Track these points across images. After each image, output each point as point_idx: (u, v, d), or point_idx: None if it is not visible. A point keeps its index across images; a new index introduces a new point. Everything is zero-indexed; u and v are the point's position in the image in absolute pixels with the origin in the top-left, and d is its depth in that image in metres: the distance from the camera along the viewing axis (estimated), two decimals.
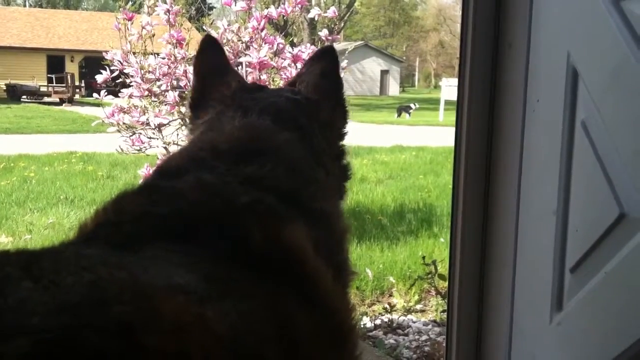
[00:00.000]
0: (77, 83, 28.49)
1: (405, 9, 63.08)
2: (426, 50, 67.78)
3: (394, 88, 53.00)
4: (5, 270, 0.54)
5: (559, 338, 1.39)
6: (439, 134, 18.62)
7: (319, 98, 1.23)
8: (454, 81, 33.31)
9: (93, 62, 33.02)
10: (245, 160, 0.94)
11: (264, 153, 0.98)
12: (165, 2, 5.34)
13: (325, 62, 1.29)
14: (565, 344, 1.37)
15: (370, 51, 45.12)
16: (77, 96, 27.25)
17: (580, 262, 1.32)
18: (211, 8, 38.22)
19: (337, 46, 6.51)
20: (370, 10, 59.11)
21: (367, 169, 10.28)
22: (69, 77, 26.81)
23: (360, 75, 43.85)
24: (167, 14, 5.32)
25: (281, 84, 5.32)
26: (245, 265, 0.74)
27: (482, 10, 1.57)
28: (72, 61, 30.98)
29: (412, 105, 28.12)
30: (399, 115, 26.88)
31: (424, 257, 4.11)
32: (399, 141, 14.92)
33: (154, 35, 5.37)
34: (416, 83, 70.13)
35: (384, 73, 51.63)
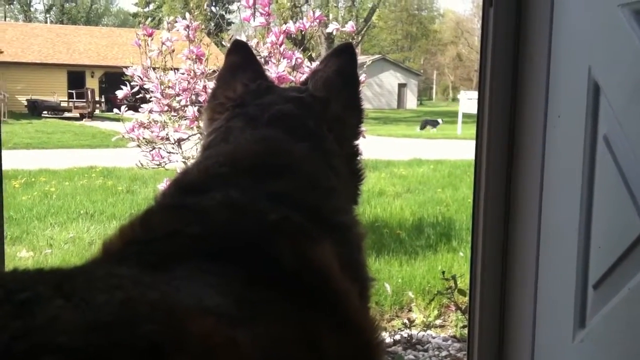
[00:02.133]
0: (97, 98, 28.82)
1: (423, 22, 63.14)
2: (444, 64, 67.69)
3: (411, 101, 52.90)
4: (37, 288, 0.54)
5: (582, 356, 1.37)
6: (457, 147, 18.54)
7: (328, 95, 1.20)
8: (473, 94, 33.34)
9: (113, 77, 33.34)
10: (267, 176, 0.94)
11: (284, 168, 0.98)
12: (185, 18, 5.40)
13: (343, 59, 1.27)
14: None
15: (388, 65, 45.16)
16: (97, 111, 27.54)
17: (604, 278, 1.30)
18: (230, 23, 38.52)
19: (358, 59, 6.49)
20: (388, 24, 59.26)
21: (385, 183, 10.26)
22: (89, 92, 27.12)
23: (378, 88, 43.90)
24: (187, 29, 5.38)
25: None
26: (277, 286, 0.73)
27: (502, 25, 1.57)
28: (92, 77, 31.37)
29: (439, 120, 28.07)
30: (423, 128, 26.78)
31: (443, 272, 4.09)
32: (417, 154, 14.87)
33: (173, 50, 5.42)
34: (434, 96, 70.02)
35: (402, 86, 51.59)
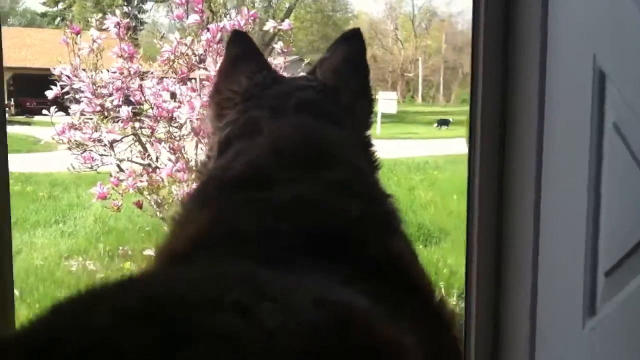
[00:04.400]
0: (6, 102, 27.32)
1: (337, 24, 63.74)
2: None
3: None
4: (236, 293, 0.48)
5: (593, 343, 1.38)
6: (380, 147, 18.79)
7: (337, 84, 1.15)
8: (390, 94, 34.03)
9: (22, 79, 31.84)
10: (317, 166, 0.89)
11: (329, 157, 0.93)
12: (115, 15, 5.20)
13: (349, 46, 1.22)
14: (601, 350, 1.36)
15: (305, 66, 45.31)
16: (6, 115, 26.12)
17: (617, 265, 1.31)
18: (143, 23, 37.56)
19: (272, 61, 6.48)
20: (304, 25, 59.48)
21: None
22: None
23: None
24: (117, 27, 5.19)
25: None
26: (385, 281, 0.70)
27: (493, 14, 1.57)
28: None
29: (450, 119, 28.71)
30: (439, 126, 27.29)
31: None
32: None
33: (103, 49, 5.22)
34: None
35: None
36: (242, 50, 1.23)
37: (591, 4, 1.36)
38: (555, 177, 1.48)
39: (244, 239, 0.71)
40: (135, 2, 36.22)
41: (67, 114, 5.12)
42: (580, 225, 1.39)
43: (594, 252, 1.36)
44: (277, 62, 5.36)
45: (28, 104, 29.96)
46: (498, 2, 1.57)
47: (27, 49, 32.09)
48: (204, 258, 0.70)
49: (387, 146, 19.11)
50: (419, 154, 15.92)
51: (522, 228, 1.57)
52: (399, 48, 72.14)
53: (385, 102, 27.93)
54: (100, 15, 5.27)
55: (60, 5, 41.32)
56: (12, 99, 29.88)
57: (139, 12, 38.39)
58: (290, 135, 0.96)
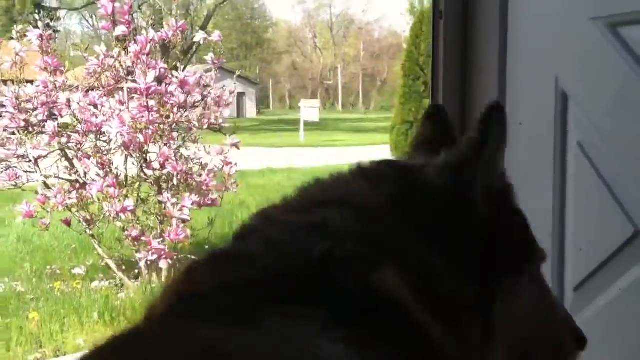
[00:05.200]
0: None
1: (256, 32, 63.64)
2: (280, 72, 68.78)
3: (251, 110, 53.13)
4: None
5: None
6: (303, 155, 18.91)
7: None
8: (312, 102, 34.04)
9: None
10: None
11: None
12: (38, 28, 5.02)
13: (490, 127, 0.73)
14: None
15: (225, 73, 44.89)
16: None
17: (585, 280, 1.36)
18: (56, 31, 36.30)
19: (191, 69, 6.36)
20: (223, 33, 58.85)
21: (245, 194, 10.17)
22: None
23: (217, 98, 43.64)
24: (40, 39, 5.00)
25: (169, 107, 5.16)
26: (364, 324, 0.66)
27: (451, 38, 1.60)
28: None
29: None
30: None
31: None
32: (266, 163, 14.94)
33: (25, 64, 5.02)
34: (271, 105, 70.79)
35: (241, 95, 51.64)
36: (430, 132, 0.92)
37: (551, 27, 1.41)
38: (521, 195, 1.52)
39: (203, 296, 0.66)
40: (49, 11, 34.95)
41: None
42: (547, 242, 1.44)
43: (561, 269, 1.41)
44: (194, 69, 5.31)
45: None
46: (455, 28, 1.61)
47: None
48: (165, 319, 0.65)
49: (311, 154, 19.26)
50: (343, 161, 16.14)
51: None
52: (318, 56, 72.80)
53: (308, 110, 28.15)
54: (20, 27, 5.04)
55: None
56: None
57: (51, 20, 37.11)
58: None
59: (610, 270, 1.30)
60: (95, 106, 4.94)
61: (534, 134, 1.47)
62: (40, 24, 4.92)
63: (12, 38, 5.13)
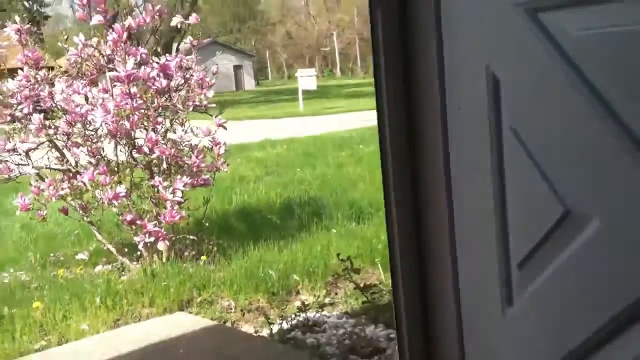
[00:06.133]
0: None
1: (248, 3, 63.06)
2: (275, 43, 68.27)
3: (249, 82, 53.02)
4: None
5: (515, 331, 1.48)
6: (304, 124, 18.90)
7: None
8: (308, 71, 33.90)
9: None
10: None
11: None
12: (16, 22, 5.02)
13: None
14: (522, 337, 1.46)
15: (220, 48, 44.80)
16: None
17: (527, 258, 1.41)
18: (46, 17, 36.04)
19: (184, 46, 6.35)
20: (214, 7, 58.53)
21: (244, 168, 10.25)
22: None
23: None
24: (19, 33, 5.02)
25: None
26: None
27: (389, 27, 1.63)
28: None
29: None
30: None
31: (338, 255, 4.19)
32: (266, 135, 14.95)
33: (6, 57, 5.04)
34: (269, 75, 70.43)
35: (237, 68, 51.47)
36: None
37: (483, 17, 1.44)
38: (464, 176, 1.57)
39: None
40: None
41: None
42: (490, 221, 1.48)
43: (505, 247, 1.46)
44: (188, 57, 5.31)
45: None
46: (393, 17, 1.64)
47: None
48: None
49: (311, 122, 19.23)
50: (344, 127, 16.11)
51: (438, 227, 1.66)
52: (312, 23, 72.14)
53: (305, 79, 28.04)
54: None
55: None
56: None
57: (41, 6, 36.82)
58: None
59: (547, 249, 1.35)
60: (80, 96, 4.97)
61: (470, 118, 1.50)
62: (17, 17, 4.92)
63: (4, 25, 5.13)
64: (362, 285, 3.87)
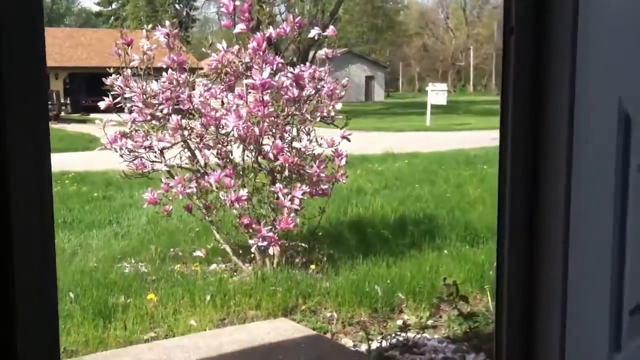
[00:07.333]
0: (62, 100, 28.35)
1: (388, 14, 63.30)
2: (409, 55, 68.16)
3: (379, 94, 53.28)
4: None
5: None
6: (428, 139, 18.72)
7: None
8: (440, 86, 33.48)
9: (78, 78, 32.87)
10: None
11: None
12: (165, 27, 5.34)
13: None
14: None
15: (355, 58, 45.38)
16: (62, 113, 27.09)
17: None
18: (194, 20, 38.23)
19: (320, 56, 6.43)
20: (354, 17, 59.36)
21: (362, 180, 10.29)
22: (54, 94, 26.64)
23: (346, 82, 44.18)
24: (167, 37, 5.34)
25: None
26: None
27: (523, 53, 1.59)
28: (56, 78, 30.78)
29: None
30: None
31: (444, 279, 4.11)
32: (389, 148, 14.92)
33: (154, 58, 5.37)
34: (400, 87, 70.36)
35: (369, 79, 51.88)
36: None
37: (620, 50, 1.38)
38: (583, 215, 1.50)
39: None
40: (188, 0, 36.79)
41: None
42: (606, 261, 1.42)
43: (620, 291, 1.39)
44: (322, 68, 5.42)
45: (83, 101, 30.94)
46: (527, 44, 1.60)
47: (82, 48, 33.10)
48: None
49: (437, 138, 19.02)
50: (470, 145, 15.79)
51: (551, 260, 1.60)
52: (450, 37, 71.32)
53: (435, 93, 27.74)
54: (150, 26, 5.41)
55: (114, 5, 42.29)
56: (68, 98, 30.94)
57: (190, 10, 39.07)
58: None
59: None
60: (217, 100, 5.22)
61: (596, 153, 1.44)
62: (167, 22, 5.24)
63: (154, 28, 5.46)
64: (466, 312, 3.77)
